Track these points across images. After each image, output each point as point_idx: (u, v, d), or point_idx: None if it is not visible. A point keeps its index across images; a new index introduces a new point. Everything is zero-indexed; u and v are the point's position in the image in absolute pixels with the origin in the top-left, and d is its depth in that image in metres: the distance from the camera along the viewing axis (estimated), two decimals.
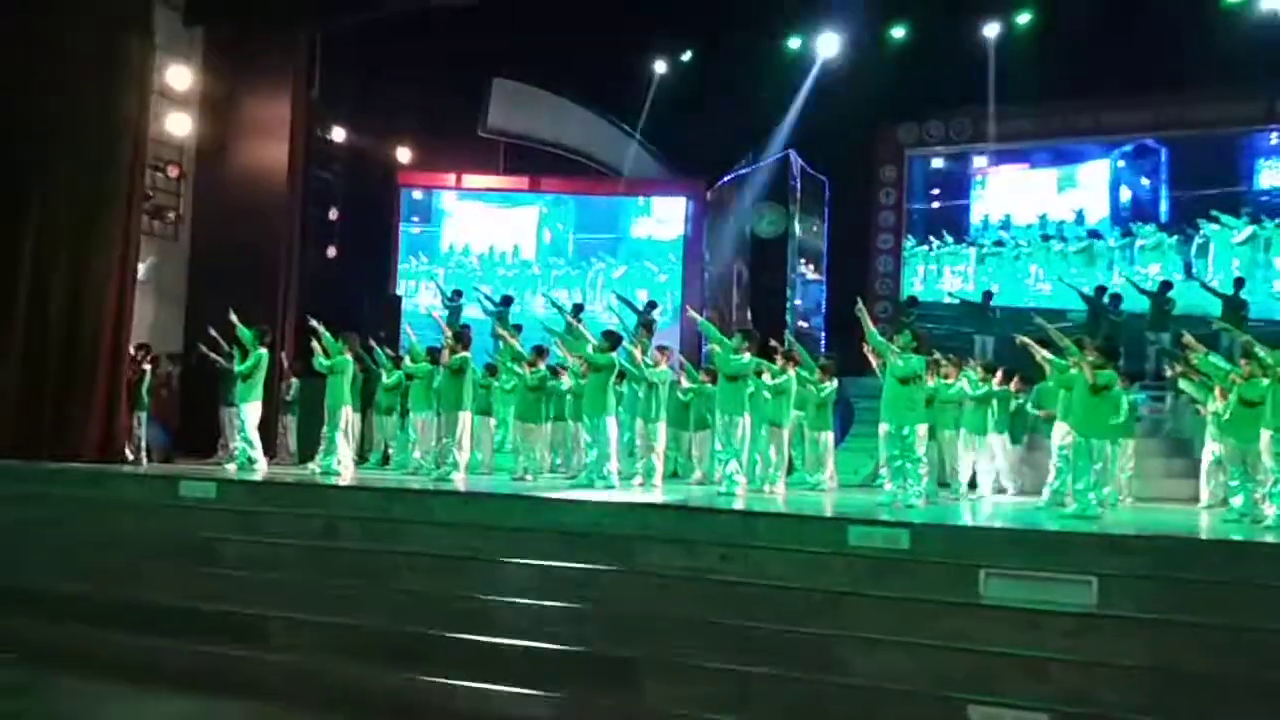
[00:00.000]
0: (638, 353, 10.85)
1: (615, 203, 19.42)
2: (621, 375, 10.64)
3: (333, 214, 15.46)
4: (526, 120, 18.34)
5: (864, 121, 17.04)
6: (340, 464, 10.60)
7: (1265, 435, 8.08)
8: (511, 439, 11.62)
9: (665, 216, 19.07)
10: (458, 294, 16.82)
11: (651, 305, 16.07)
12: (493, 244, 19.64)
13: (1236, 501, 8.85)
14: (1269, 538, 7.01)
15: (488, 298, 16.41)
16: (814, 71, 16.37)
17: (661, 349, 11.92)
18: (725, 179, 17.69)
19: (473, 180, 19.01)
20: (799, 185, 17.17)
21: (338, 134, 16.24)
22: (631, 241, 19.39)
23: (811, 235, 17.85)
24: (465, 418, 10.39)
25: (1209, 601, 5.97)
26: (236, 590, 7.68)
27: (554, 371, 11.37)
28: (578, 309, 15.41)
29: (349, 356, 10.98)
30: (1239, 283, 14.74)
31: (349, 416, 10.96)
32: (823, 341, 16.84)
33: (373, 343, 12.39)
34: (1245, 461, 8.66)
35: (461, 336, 10.60)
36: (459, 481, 9.80)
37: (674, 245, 18.90)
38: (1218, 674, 5.49)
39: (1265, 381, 8.25)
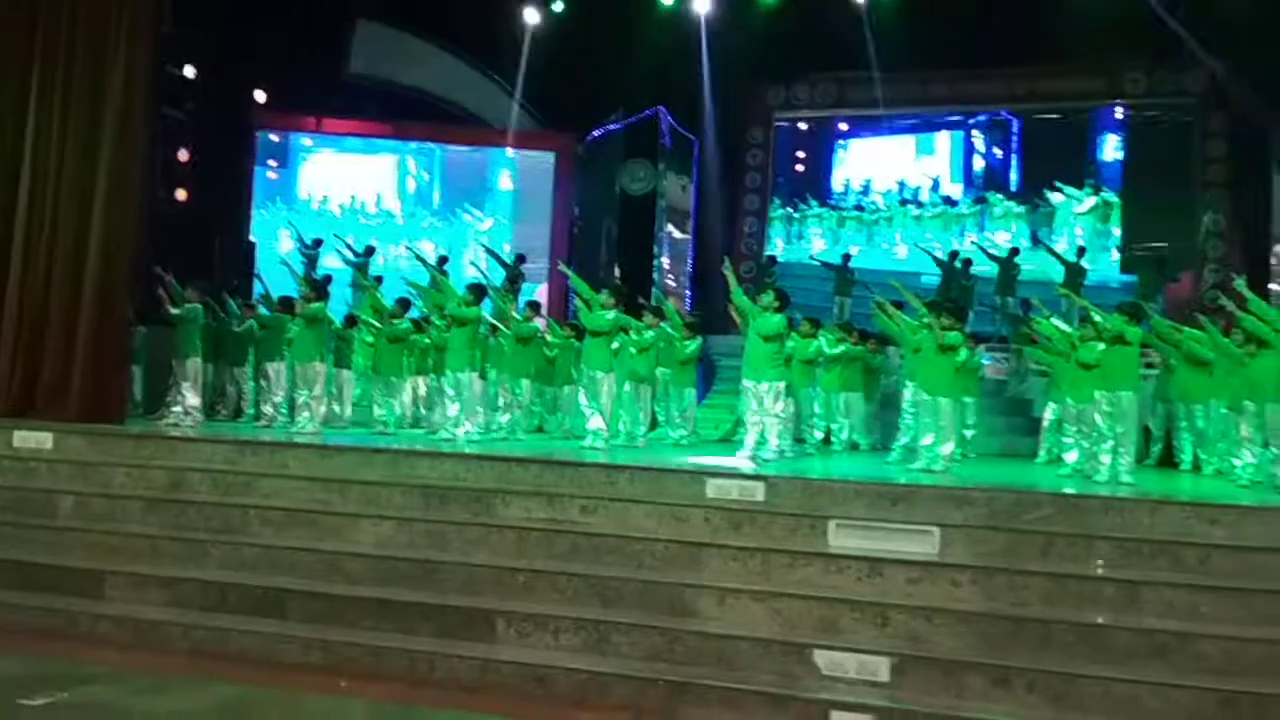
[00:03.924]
0: (509, 308, 10.78)
1: (483, 154, 19.10)
2: (493, 329, 10.60)
3: (183, 155, 14.74)
4: (392, 65, 17.74)
5: (733, 82, 17.12)
6: (188, 415, 10.25)
7: (1099, 396, 8.54)
8: (371, 392, 11.39)
9: (534, 170, 18.85)
10: (317, 242, 16.32)
11: (520, 259, 15.94)
12: (354, 192, 19.12)
13: (1071, 458, 9.37)
14: (1100, 491, 7.44)
15: (349, 247, 16.00)
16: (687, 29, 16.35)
17: (532, 304, 11.86)
18: (595, 134, 17.56)
19: (334, 125, 18.38)
20: (669, 143, 17.20)
21: (190, 71, 15.45)
22: (499, 194, 19.13)
23: (680, 194, 17.92)
24: (321, 369, 10.14)
25: (1042, 551, 6.33)
26: (75, 544, 7.38)
27: (418, 325, 11.17)
28: (443, 261, 15.18)
29: (198, 304, 10.56)
30: (1080, 250, 15.49)
31: (198, 367, 10.57)
32: (689, 299, 17.00)
33: (226, 293, 11.95)
34: (1081, 420, 9.16)
35: (318, 286, 10.30)
36: (314, 434, 9.57)
37: (543, 199, 18.70)
38: (1046, 619, 5.81)
39: (1100, 346, 8.71)
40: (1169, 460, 10.54)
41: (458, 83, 17.99)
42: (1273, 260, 14.26)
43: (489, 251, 16.02)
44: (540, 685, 5.82)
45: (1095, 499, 6.98)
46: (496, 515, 7.19)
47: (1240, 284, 8.78)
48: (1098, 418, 8.50)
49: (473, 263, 16.68)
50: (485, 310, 10.49)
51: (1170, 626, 5.67)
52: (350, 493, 7.63)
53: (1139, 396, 8.71)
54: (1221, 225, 15.04)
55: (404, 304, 11.06)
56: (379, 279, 12.90)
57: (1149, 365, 10.24)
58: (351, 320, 11.68)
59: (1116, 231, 16.99)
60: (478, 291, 10.19)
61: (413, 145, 19.12)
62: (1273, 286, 13.56)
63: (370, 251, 16.01)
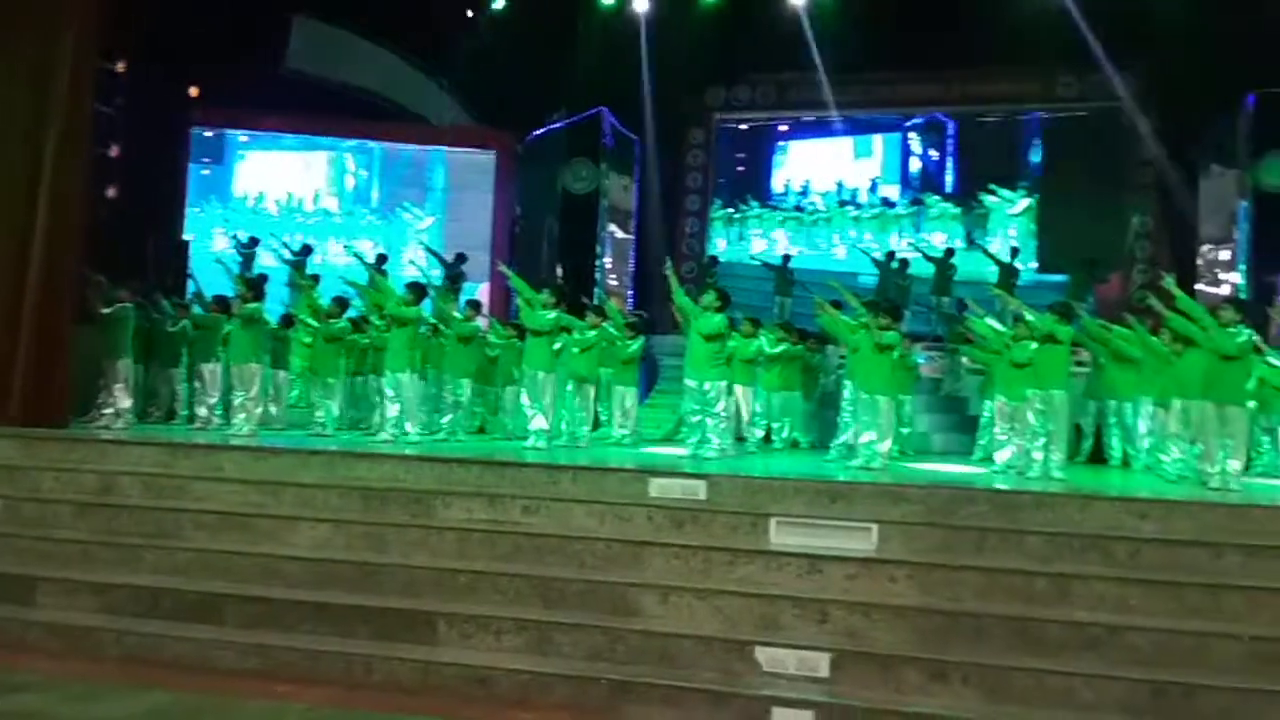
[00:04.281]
0: (450, 307, 10.72)
1: (423, 153, 18.93)
2: (435, 329, 10.52)
3: (113, 151, 14.40)
4: (330, 62, 17.51)
5: (674, 82, 17.18)
6: (119, 418, 10.04)
7: (1032, 394, 8.71)
8: (308, 393, 11.24)
9: (475, 168, 18.73)
10: (253, 241, 16.08)
11: (460, 258, 15.84)
12: (291, 190, 18.84)
13: (1005, 455, 9.54)
14: (1032, 487, 7.59)
15: (285, 245, 15.77)
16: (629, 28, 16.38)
17: (473, 304, 11.79)
18: (537, 133, 17.51)
19: (270, 122, 18.10)
20: (611, 143, 17.20)
21: (119, 65, 15.10)
22: (439, 193, 18.97)
23: (622, 193, 17.94)
24: (257, 370, 9.97)
25: (976, 546, 6.43)
26: (4, 550, 7.17)
27: (355, 324, 11.05)
28: (381, 260, 15.04)
29: (129, 304, 10.34)
30: (1014, 251, 15.79)
31: (129, 368, 10.35)
32: (630, 299, 17.02)
33: (159, 293, 11.72)
34: (1014, 418, 9.33)
35: (255, 285, 10.15)
36: (250, 436, 9.41)
37: (484, 198, 18.58)
38: (981, 614, 5.91)
39: (1033, 345, 8.89)
40: (1099, 457, 10.79)
41: (397, 80, 17.83)
42: (1199, 261, 14.66)
43: (429, 250, 15.88)
44: (482, 686, 5.79)
45: (1027, 495, 7.10)
46: (437, 517, 7.13)
47: (1170, 282, 8.97)
48: (1030, 415, 8.68)
49: (412, 261, 16.54)
50: (425, 310, 10.41)
51: (1101, 619, 5.78)
52: (286, 495, 7.51)
53: (1070, 394, 8.90)
54: (1150, 227, 15.43)
55: (341, 303, 10.93)
56: (316, 278, 12.72)
57: (1079, 364, 10.46)
58: (288, 320, 11.50)
59: None
60: (418, 291, 10.10)
61: (351, 143, 18.89)
62: (1200, 286, 13.94)
63: (307, 250, 15.81)
